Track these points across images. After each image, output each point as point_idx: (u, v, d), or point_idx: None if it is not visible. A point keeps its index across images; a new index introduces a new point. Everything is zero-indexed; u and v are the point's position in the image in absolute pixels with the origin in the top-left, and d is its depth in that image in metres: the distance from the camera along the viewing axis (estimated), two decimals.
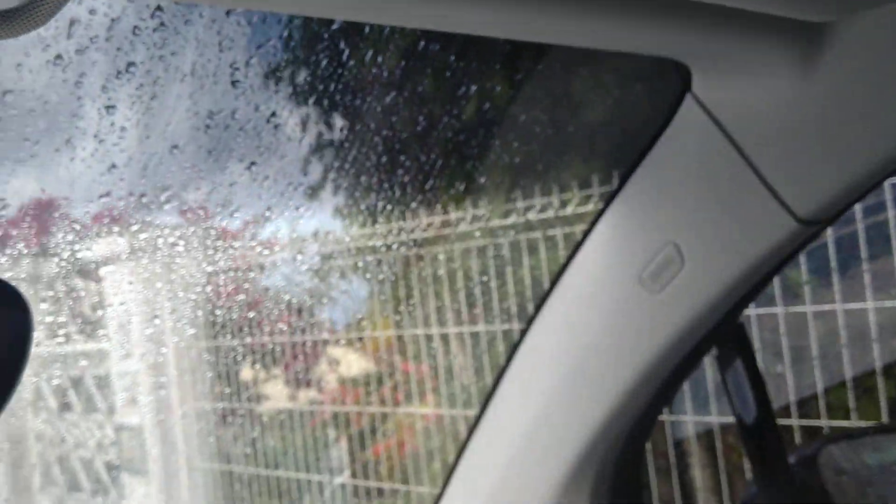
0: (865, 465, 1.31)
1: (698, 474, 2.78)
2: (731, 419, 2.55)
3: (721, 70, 0.88)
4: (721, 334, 1.14)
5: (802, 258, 2.33)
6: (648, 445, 2.77)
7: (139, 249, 3.54)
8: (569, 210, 2.76)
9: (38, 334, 4.37)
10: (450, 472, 1.41)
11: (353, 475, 3.63)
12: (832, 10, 0.71)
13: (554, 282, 1.18)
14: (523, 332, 1.26)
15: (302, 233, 3.70)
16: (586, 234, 1.09)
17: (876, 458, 1.30)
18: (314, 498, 3.72)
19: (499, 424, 1.32)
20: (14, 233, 1.90)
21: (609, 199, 1.07)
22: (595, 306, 1.10)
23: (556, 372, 1.19)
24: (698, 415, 2.64)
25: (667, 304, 1.03)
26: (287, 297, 3.86)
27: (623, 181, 1.04)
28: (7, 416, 4.45)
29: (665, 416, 2.63)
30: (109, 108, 1.25)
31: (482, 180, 3.02)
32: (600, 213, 1.09)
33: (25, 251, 2.11)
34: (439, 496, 1.42)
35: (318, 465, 3.72)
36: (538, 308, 1.22)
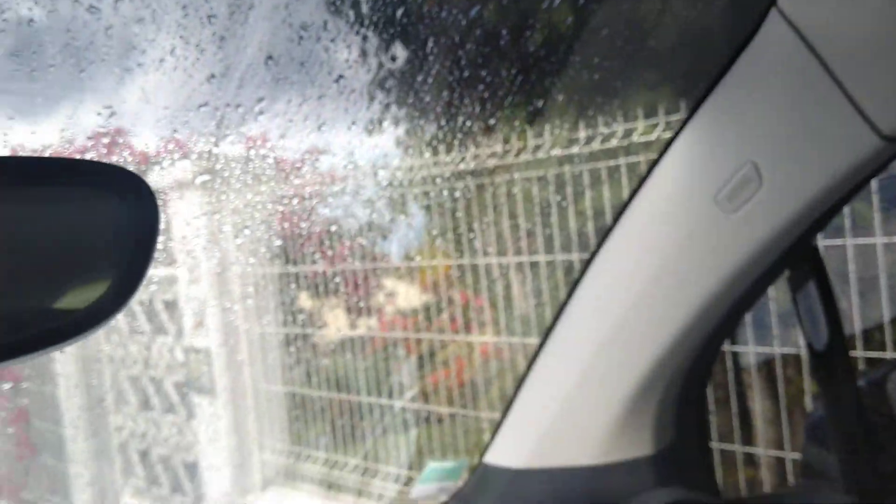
0: None
1: (758, 406, 2.78)
2: (792, 351, 2.55)
3: None
4: (795, 256, 1.14)
5: (874, 187, 2.27)
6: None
7: (209, 174, 3.62)
8: (636, 139, 2.73)
9: None
10: (510, 400, 1.43)
11: (414, 399, 3.72)
12: None
13: (627, 203, 1.18)
14: (592, 255, 1.27)
15: (367, 162, 3.73)
16: (663, 153, 1.09)
17: None
18: (375, 420, 3.83)
19: (562, 352, 1.34)
20: (120, 141, 1.95)
21: (687, 118, 1.06)
22: (669, 226, 1.10)
23: (627, 294, 1.20)
24: (760, 345, 2.63)
25: (742, 224, 1.03)
26: (351, 226, 3.92)
27: (702, 99, 1.03)
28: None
29: (726, 347, 2.63)
30: (211, 17, 1.28)
31: (548, 108, 2.99)
32: (678, 133, 1.08)
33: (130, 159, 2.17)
34: (499, 424, 1.45)
35: (379, 389, 3.82)
36: (610, 229, 1.22)
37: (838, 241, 2.40)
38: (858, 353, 2.41)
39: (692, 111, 1.05)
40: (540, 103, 3.00)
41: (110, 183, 0.47)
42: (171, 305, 4.36)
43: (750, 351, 2.66)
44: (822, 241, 2.51)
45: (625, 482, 1.29)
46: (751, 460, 2.75)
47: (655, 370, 1.23)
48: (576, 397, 1.31)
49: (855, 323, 2.39)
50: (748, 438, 2.76)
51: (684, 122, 1.06)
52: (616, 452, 1.29)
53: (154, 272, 4.35)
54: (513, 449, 1.41)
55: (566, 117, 2.98)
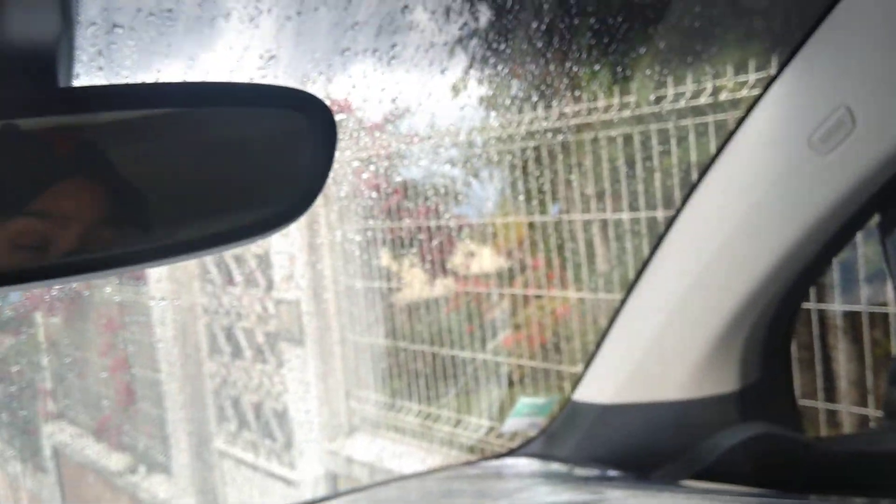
0: None
1: (842, 367, 2.78)
2: (878, 310, 2.54)
3: None
4: (885, 201, 1.17)
5: None
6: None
7: None
8: (725, 96, 2.73)
9: None
10: (599, 341, 1.50)
11: (499, 353, 3.82)
12: None
13: (721, 147, 1.23)
14: (685, 200, 1.33)
15: (451, 121, 3.80)
16: (760, 96, 1.14)
17: None
18: (459, 372, 3.94)
19: (651, 293, 1.39)
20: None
21: (785, 62, 1.10)
22: (763, 168, 1.15)
23: (720, 233, 1.25)
24: (846, 303, 2.63)
25: (835, 166, 1.07)
26: (435, 185, 4.01)
27: (800, 44, 1.07)
28: (177, 288, 4.88)
29: (811, 305, 2.63)
30: None
31: (637, 64, 3.00)
32: (775, 77, 1.12)
33: None
34: (587, 363, 1.51)
35: (464, 343, 3.92)
36: (703, 173, 1.28)
37: None
38: None
39: (789, 56, 1.09)
40: (629, 59, 3.01)
41: (292, 104, 0.56)
42: (262, 259, 4.54)
43: (836, 309, 2.66)
44: None
45: (711, 416, 1.35)
46: (833, 419, 2.76)
47: (743, 309, 1.28)
48: (664, 335, 1.37)
49: None
50: (832, 398, 2.77)
51: (781, 68, 1.11)
52: (703, 388, 1.35)
53: None
54: (601, 386, 1.48)
55: (654, 73, 2.99)
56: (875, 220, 1.24)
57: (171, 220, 0.57)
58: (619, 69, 3.04)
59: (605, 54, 3.01)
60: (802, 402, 2.70)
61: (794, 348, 2.71)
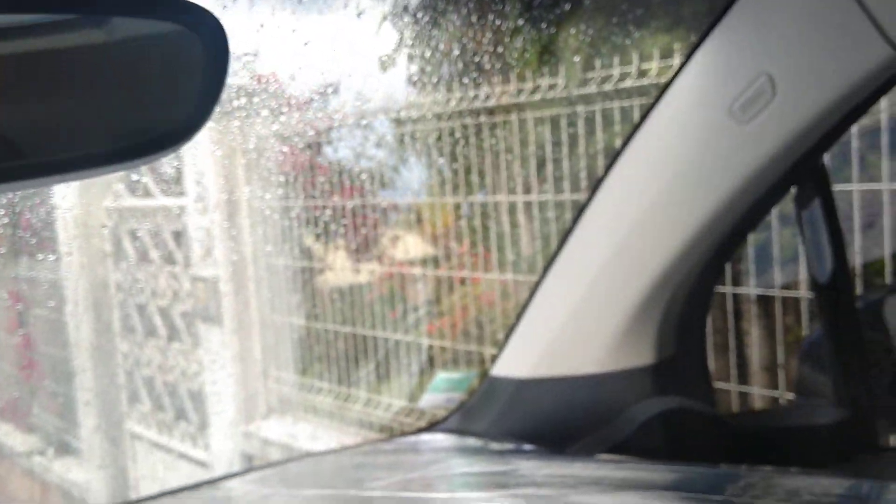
0: None
1: (756, 351, 2.84)
2: (792, 294, 2.60)
3: None
4: (803, 172, 1.18)
5: (883, 134, 2.30)
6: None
7: (224, 104, 3.63)
8: (647, 81, 2.74)
9: (119, 187, 4.55)
10: (518, 316, 1.48)
11: (419, 334, 3.79)
12: None
13: (643, 117, 1.22)
14: (606, 171, 1.31)
15: (380, 99, 3.75)
16: (682, 66, 1.12)
17: None
18: (380, 353, 3.90)
19: (570, 266, 1.38)
20: None
21: (707, 31, 1.09)
22: (684, 137, 1.14)
23: (639, 206, 1.24)
24: (761, 288, 2.68)
25: (755, 135, 1.07)
26: (359, 163, 3.95)
27: (721, 13, 1.06)
28: (89, 263, 4.70)
29: (727, 289, 2.68)
30: None
31: (563, 46, 3.00)
32: (696, 46, 1.11)
33: None
34: (506, 338, 1.50)
35: (384, 324, 3.88)
36: (624, 144, 1.26)
37: (847, 187, 2.43)
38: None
39: (711, 24, 1.08)
40: (555, 41, 3.01)
41: (185, 18, 0.51)
42: (179, 235, 4.41)
43: (751, 293, 2.71)
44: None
45: (626, 390, 1.34)
46: (746, 401, 2.82)
47: (661, 282, 1.27)
48: (582, 308, 1.35)
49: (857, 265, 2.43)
50: (745, 381, 2.82)
51: (703, 36, 1.09)
52: (619, 362, 1.34)
53: (162, 201, 4.39)
54: (519, 360, 1.47)
55: (581, 56, 2.99)
56: (792, 193, 1.25)
57: (47, 138, 0.51)
58: (546, 49, 3.04)
59: (532, 32, 3.00)
60: (717, 384, 2.75)
61: (709, 332, 2.76)
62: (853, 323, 1.27)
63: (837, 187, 2.46)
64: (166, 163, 4.18)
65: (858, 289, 2.44)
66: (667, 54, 2.71)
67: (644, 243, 1.26)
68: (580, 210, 1.35)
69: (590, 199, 1.33)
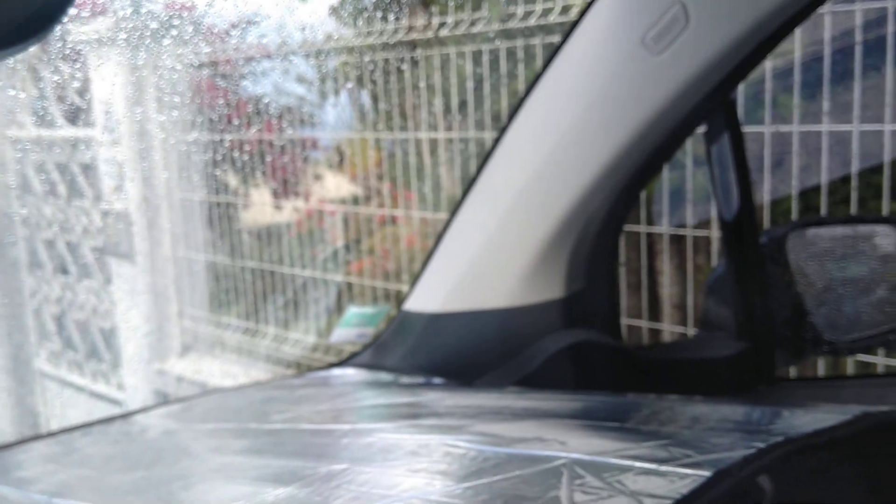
0: (835, 253, 1.38)
1: (667, 290, 2.91)
2: (703, 233, 2.66)
3: None
4: (713, 109, 1.18)
5: (797, 73, 2.34)
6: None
7: (125, 35, 3.47)
8: (569, 17, 2.72)
9: (22, 118, 4.33)
10: (430, 251, 1.46)
11: (336, 271, 3.76)
12: None
13: (556, 50, 1.19)
14: (519, 103, 1.29)
15: (298, 31, 3.63)
16: None
17: (843, 255, 1.38)
18: (296, 291, 3.86)
19: (482, 199, 1.36)
20: None
21: None
22: (597, 68, 1.12)
23: (551, 138, 1.23)
24: (673, 227, 2.73)
25: (668, 65, 1.06)
26: (278, 97, 3.84)
27: None
28: None
29: (640, 228, 2.72)
30: None
31: None
32: None
33: None
34: (418, 274, 1.48)
35: (301, 261, 3.84)
36: (538, 77, 1.24)
37: (759, 129, 2.48)
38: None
39: None
40: None
41: None
42: (88, 168, 4.24)
43: (663, 233, 2.76)
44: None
45: (536, 323, 1.35)
46: (656, 336, 2.89)
47: (572, 216, 1.27)
48: (493, 242, 1.34)
49: (765, 207, 2.50)
50: (657, 318, 2.90)
51: None
52: (529, 295, 1.34)
53: (70, 132, 4.20)
54: (430, 295, 1.45)
55: None
56: (702, 129, 1.25)
57: None
58: None
59: None
60: (629, 321, 2.82)
61: (623, 271, 2.82)
62: (756, 258, 1.30)
63: (749, 129, 2.51)
64: (73, 91, 3.99)
65: (765, 225, 2.51)
66: None
67: (555, 177, 1.25)
68: (493, 144, 1.33)
69: (502, 133, 1.31)
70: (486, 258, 1.36)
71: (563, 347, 1.30)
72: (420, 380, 1.41)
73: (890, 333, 1.35)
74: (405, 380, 1.42)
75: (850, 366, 2.34)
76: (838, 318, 1.33)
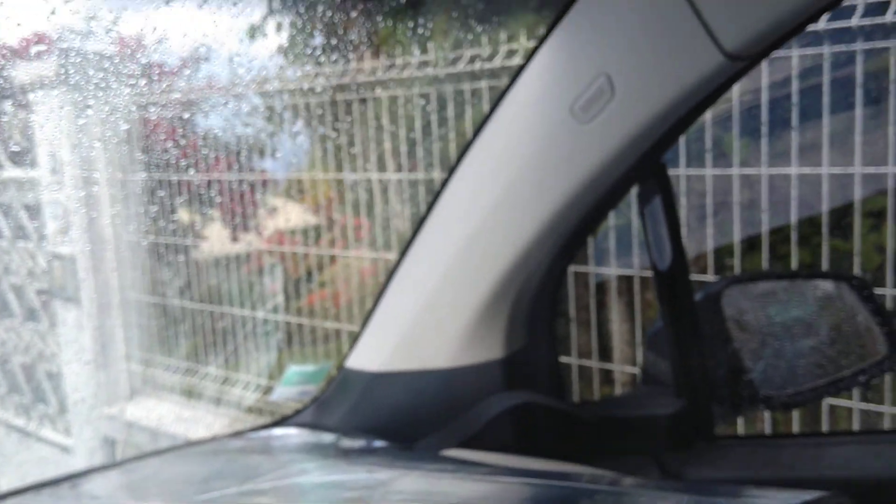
0: (770, 308, 1.40)
1: (616, 328, 2.92)
2: (649, 274, 2.68)
3: None
4: (644, 171, 1.19)
5: (735, 121, 2.39)
6: (572, 299, 2.90)
7: (71, 76, 3.42)
8: (514, 62, 2.75)
9: None
10: (372, 306, 1.45)
11: (281, 311, 3.72)
12: None
13: (491, 112, 1.20)
14: (456, 164, 1.29)
15: (248, 71, 3.61)
16: (524, 65, 1.11)
17: (778, 310, 1.40)
18: (244, 332, 3.81)
19: (423, 258, 1.36)
20: None
21: (548, 30, 1.08)
22: (528, 134, 1.13)
23: (486, 201, 1.23)
24: (622, 268, 2.75)
25: (596, 133, 1.06)
26: (225, 138, 3.81)
27: (562, 12, 1.05)
28: None
29: (590, 269, 2.74)
30: None
31: (434, 23, 2.97)
32: (539, 44, 1.10)
33: None
34: (360, 330, 1.47)
35: (247, 302, 3.79)
36: (473, 138, 1.24)
37: (701, 171, 2.52)
38: (709, 277, 2.56)
39: (553, 24, 1.07)
40: (426, 19, 2.97)
41: None
42: (33, 210, 4.16)
43: (611, 274, 2.79)
44: (683, 171, 2.63)
45: (477, 384, 1.34)
46: (608, 377, 2.91)
47: (510, 276, 1.27)
48: (433, 302, 1.34)
49: (709, 249, 2.54)
50: (607, 357, 2.91)
51: (545, 35, 1.08)
52: (470, 356, 1.34)
53: (14, 173, 4.12)
54: (372, 353, 1.44)
55: (452, 34, 2.97)
56: (636, 189, 1.26)
57: None
58: (416, 27, 2.99)
59: (402, 10, 2.95)
60: (580, 361, 2.83)
61: (572, 310, 2.83)
62: (691, 314, 1.31)
63: (692, 171, 2.55)
64: (17, 132, 3.92)
65: (713, 270, 2.54)
66: (533, 35, 2.71)
67: (492, 237, 1.25)
68: (432, 201, 1.33)
69: (441, 190, 1.31)
70: (426, 318, 1.36)
71: (505, 409, 1.30)
72: (362, 442, 1.39)
73: (826, 387, 1.36)
74: (345, 442, 1.40)
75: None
76: (775, 372, 1.35)
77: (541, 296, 1.36)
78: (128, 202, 4.02)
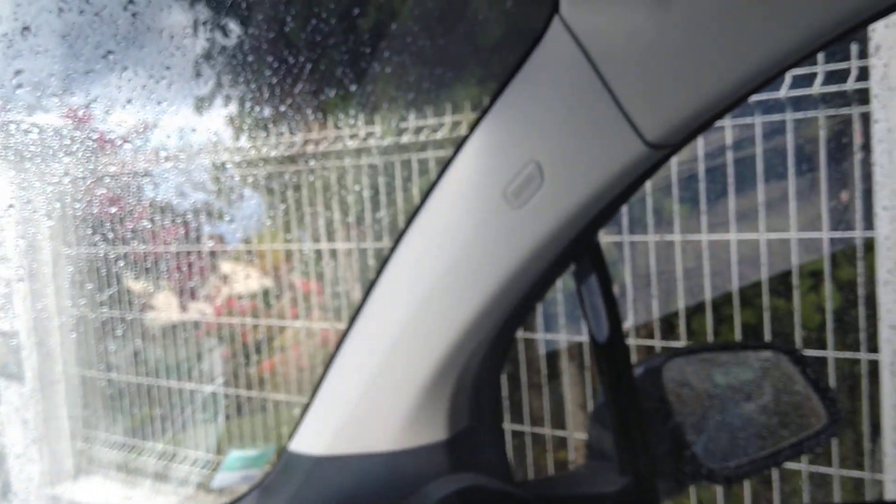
0: (711, 381, 1.42)
1: (568, 391, 2.92)
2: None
3: None
4: (578, 252, 1.21)
5: (675, 189, 2.44)
6: (524, 363, 2.90)
7: (14, 147, 3.38)
8: (459, 133, 2.79)
9: None
10: (315, 388, 1.44)
11: (233, 385, 3.65)
12: None
13: (426, 195, 1.21)
14: (395, 244, 1.30)
15: (188, 141, 3.61)
16: (458, 150, 1.13)
17: (719, 383, 1.42)
18: (191, 407, 3.73)
19: (364, 340, 1.36)
20: None
21: (480, 117, 1.10)
22: (463, 218, 1.14)
23: (424, 283, 1.23)
24: (570, 333, 2.77)
25: (528, 219, 1.08)
26: (171, 208, 3.78)
27: (493, 100, 1.07)
28: None
29: (539, 335, 2.75)
30: None
31: (380, 97, 3.01)
32: (472, 130, 1.12)
33: None
34: (303, 412, 1.45)
35: (194, 375, 3.72)
36: (411, 220, 1.25)
37: (645, 238, 2.56)
38: (657, 342, 2.59)
39: (485, 110, 1.09)
40: (372, 93, 3.01)
41: None
42: None
43: (561, 339, 2.80)
44: (628, 237, 2.68)
45: (421, 467, 1.32)
46: (562, 443, 2.90)
47: (451, 357, 1.27)
48: (375, 383, 1.33)
49: (654, 314, 2.57)
50: (559, 423, 2.90)
51: (478, 120, 1.10)
52: (413, 438, 1.32)
53: None
54: (315, 436, 1.42)
55: (398, 107, 3.00)
56: (572, 268, 1.28)
57: None
58: (366, 100, 3.03)
59: (349, 82, 2.99)
60: (531, 429, 2.81)
61: (524, 377, 2.82)
62: (631, 388, 1.31)
63: (636, 238, 2.59)
64: None
65: (659, 335, 2.57)
66: (477, 107, 2.76)
67: (433, 318, 1.25)
68: (374, 279, 1.33)
69: (382, 268, 1.31)
70: (369, 400, 1.34)
71: (449, 493, 1.28)
72: None
73: (769, 458, 1.37)
74: None
75: None
76: (717, 445, 1.36)
77: (484, 374, 1.35)
78: (73, 276, 3.95)
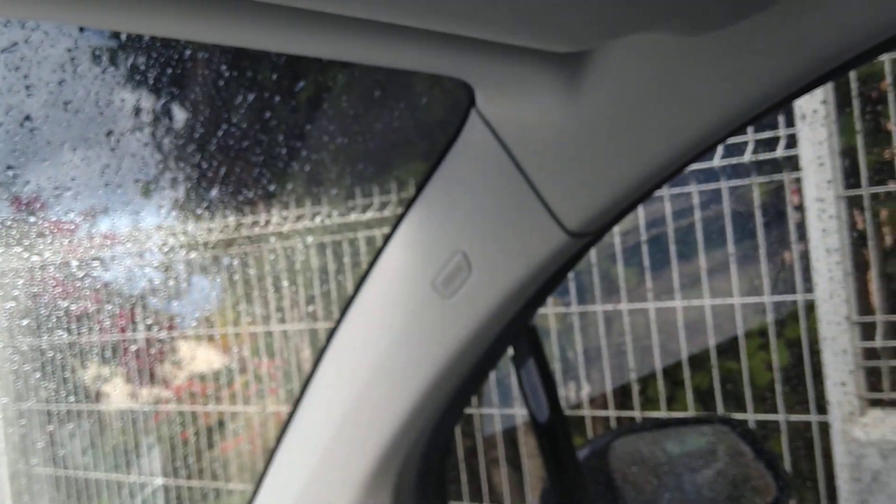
0: (657, 460, 1.41)
1: (504, 471, 2.89)
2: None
3: (500, 89, 0.93)
4: (514, 336, 1.20)
5: (620, 260, 2.47)
6: (462, 442, 2.86)
7: None
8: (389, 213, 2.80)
9: None
10: (262, 474, 1.41)
11: (177, 475, 3.55)
12: (584, 40, 0.76)
13: (358, 286, 1.21)
14: (331, 335, 1.29)
15: (135, 229, 3.57)
16: (387, 240, 1.13)
17: (666, 460, 1.41)
18: (134, 499, 3.61)
19: (308, 425, 1.34)
20: None
21: (406, 208, 1.10)
22: (393, 310, 1.13)
23: (359, 374, 1.22)
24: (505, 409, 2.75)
25: (459, 308, 1.08)
26: (116, 295, 3.72)
27: (418, 191, 1.08)
28: None
29: (487, 410, 2.73)
30: None
31: (324, 178, 3.02)
32: (399, 221, 1.12)
33: None
34: (251, 499, 1.42)
35: (138, 467, 3.61)
36: (343, 312, 1.24)
37: (591, 308, 2.58)
38: (611, 412, 2.58)
39: (410, 201, 1.09)
40: (317, 172, 3.02)
41: None
42: None
43: (517, 414, 2.78)
44: (576, 308, 2.69)
45: None
46: None
47: (392, 448, 1.25)
48: (317, 476, 1.30)
49: (606, 383, 2.56)
50: (521, 498, 2.86)
51: (404, 212, 1.11)
52: None
53: None
54: None
55: (343, 186, 3.02)
56: (510, 353, 1.27)
57: None
58: (310, 182, 3.04)
59: (295, 163, 3.00)
60: None
61: (462, 455, 2.78)
62: (576, 473, 1.30)
63: (583, 308, 2.60)
64: None
65: (613, 404, 2.56)
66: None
67: (371, 408, 1.23)
68: (304, 383, 1.32)
69: (315, 366, 1.29)
70: (312, 491, 1.31)
71: None
72: None
73: None
74: None
75: None
76: None
77: (426, 464, 1.33)
78: (18, 369, 3.84)
